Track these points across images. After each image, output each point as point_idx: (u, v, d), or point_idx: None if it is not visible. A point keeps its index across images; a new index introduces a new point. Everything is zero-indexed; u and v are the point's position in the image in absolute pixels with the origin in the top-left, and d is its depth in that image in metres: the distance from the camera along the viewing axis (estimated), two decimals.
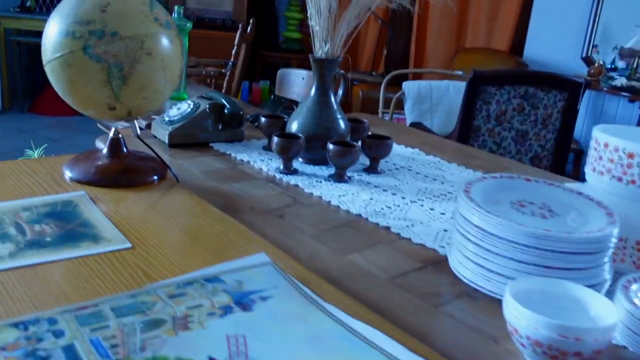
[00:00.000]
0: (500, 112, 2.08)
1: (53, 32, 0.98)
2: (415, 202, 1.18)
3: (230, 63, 2.95)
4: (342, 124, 1.34)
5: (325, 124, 1.32)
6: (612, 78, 3.51)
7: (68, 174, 1.07)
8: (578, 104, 2.08)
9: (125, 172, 1.06)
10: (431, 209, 1.15)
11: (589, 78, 3.34)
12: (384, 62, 4.15)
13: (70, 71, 0.97)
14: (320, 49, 1.32)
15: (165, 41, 1.01)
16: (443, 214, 1.13)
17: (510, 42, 3.80)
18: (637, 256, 0.89)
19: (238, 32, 3.01)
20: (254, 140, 1.51)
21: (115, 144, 1.10)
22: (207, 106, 1.43)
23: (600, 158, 0.89)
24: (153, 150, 1.13)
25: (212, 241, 0.87)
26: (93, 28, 0.96)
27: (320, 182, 1.24)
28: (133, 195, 1.02)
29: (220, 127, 1.46)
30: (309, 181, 1.24)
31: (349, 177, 1.27)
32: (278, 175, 1.26)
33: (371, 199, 1.17)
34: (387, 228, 1.04)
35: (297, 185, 1.21)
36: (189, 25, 1.94)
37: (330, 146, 1.24)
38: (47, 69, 1.01)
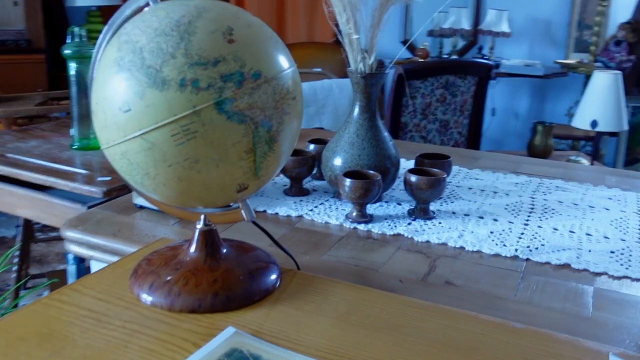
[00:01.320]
0: (425, 105, 2.00)
1: (127, 86, 0.59)
2: (527, 223, 1.02)
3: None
4: (393, 148, 1.11)
5: (382, 152, 1.07)
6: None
7: (148, 299, 0.67)
8: (487, 87, 2.12)
9: (246, 279, 0.71)
10: (555, 229, 1.00)
11: (420, 59, 3.49)
12: None
13: (190, 146, 0.59)
14: (362, 62, 1.07)
15: (295, 76, 0.68)
16: (572, 231, 1.00)
17: (334, 33, 3.79)
18: None
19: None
20: None
21: (210, 239, 0.73)
22: None
23: None
24: (271, 237, 0.78)
25: (463, 342, 0.60)
26: (227, 70, 0.59)
27: (410, 223, 1.01)
28: (272, 307, 0.68)
29: None
30: (403, 227, 1.00)
31: (434, 212, 1.06)
32: (351, 225, 0.99)
33: (492, 232, 0.98)
34: (564, 265, 0.87)
35: (400, 234, 0.97)
36: None
37: (413, 178, 1.01)
38: (119, 152, 0.61)
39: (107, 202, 1.09)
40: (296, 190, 1.15)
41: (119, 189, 1.18)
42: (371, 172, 1.02)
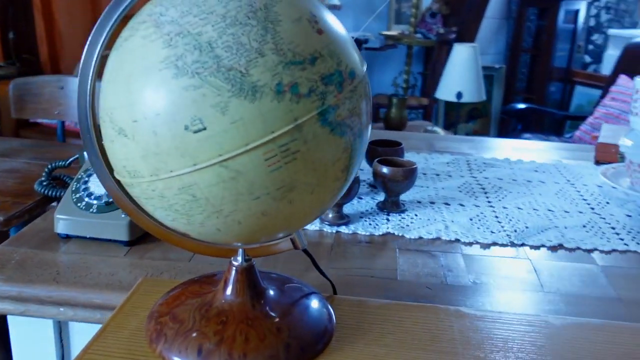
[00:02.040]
0: None
1: (197, 96, 0.43)
2: (492, 205, 1.02)
3: None
4: None
5: None
6: None
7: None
8: None
9: (307, 318, 0.59)
10: (519, 208, 1.01)
11: None
12: (13, 47, 3.23)
13: (286, 171, 0.45)
14: None
15: None
16: (536, 209, 1.01)
17: None
18: None
19: None
20: None
21: (251, 277, 0.58)
22: None
23: None
24: (316, 264, 0.65)
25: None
26: (326, 69, 0.46)
27: (389, 220, 0.94)
28: (352, 348, 0.57)
29: None
30: (385, 224, 0.93)
31: (403, 203, 1.00)
32: (332, 229, 0.90)
33: (471, 219, 0.96)
34: (559, 245, 0.87)
35: (389, 233, 0.89)
36: None
37: (385, 169, 0.94)
38: (179, 186, 0.45)
39: (14, 237, 0.85)
40: None
41: (18, 216, 0.93)
42: None
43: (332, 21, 0.49)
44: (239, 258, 0.58)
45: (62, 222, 0.81)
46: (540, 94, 4.03)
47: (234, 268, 0.58)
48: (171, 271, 0.76)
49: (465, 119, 3.98)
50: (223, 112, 0.43)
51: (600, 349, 0.58)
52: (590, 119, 2.90)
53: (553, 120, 3.84)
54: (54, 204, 0.96)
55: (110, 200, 0.81)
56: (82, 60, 0.51)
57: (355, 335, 0.59)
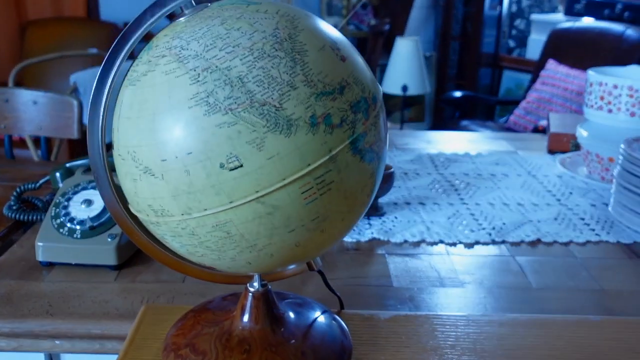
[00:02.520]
0: None
1: (232, 133, 0.42)
2: (465, 203, 1.05)
3: None
4: None
5: None
6: None
7: None
8: None
9: (329, 339, 0.59)
10: (491, 203, 1.05)
11: None
12: None
13: (321, 203, 0.45)
14: None
15: None
16: (506, 204, 1.05)
17: (86, 6, 3.31)
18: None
19: None
20: None
21: (269, 302, 0.58)
22: None
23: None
24: (326, 281, 0.65)
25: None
26: (353, 97, 0.46)
27: (370, 224, 0.96)
28: None
29: None
30: (368, 229, 0.94)
31: (382, 206, 1.02)
32: None
33: (449, 218, 0.98)
34: (537, 240, 0.91)
35: (374, 239, 0.91)
36: None
37: None
38: (213, 223, 0.44)
39: None
40: None
41: None
42: None
43: (349, 46, 0.49)
44: (256, 284, 0.57)
45: (44, 249, 0.77)
46: (471, 80, 4.16)
47: (251, 294, 0.57)
48: (167, 294, 0.74)
49: (400, 106, 4.06)
50: (259, 148, 0.42)
51: (603, 344, 0.62)
52: (523, 104, 3.02)
53: (485, 105, 3.98)
54: (27, 228, 0.91)
55: (95, 224, 0.78)
56: (91, 97, 0.48)
57: (372, 351, 0.60)
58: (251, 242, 0.45)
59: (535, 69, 3.13)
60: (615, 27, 2.89)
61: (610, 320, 0.66)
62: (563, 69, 2.89)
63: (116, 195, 0.51)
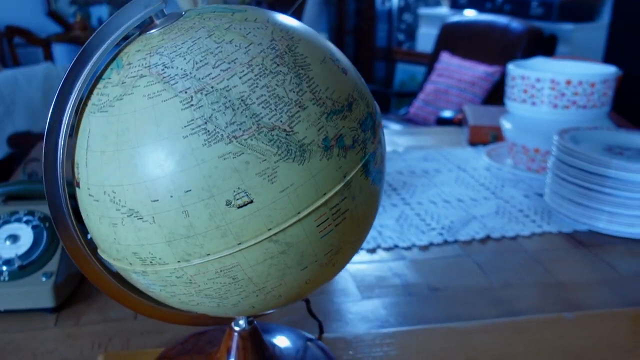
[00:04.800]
0: None
1: (238, 165, 0.36)
2: (408, 203, 1.04)
3: None
4: None
5: None
6: None
7: None
8: None
9: None
10: (433, 202, 1.05)
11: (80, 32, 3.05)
12: None
13: (336, 234, 0.40)
14: None
15: None
16: (447, 201, 1.06)
17: None
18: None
19: None
20: None
21: (258, 339, 0.52)
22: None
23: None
24: (311, 311, 0.59)
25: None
26: (361, 114, 0.41)
27: None
28: None
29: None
30: None
31: None
32: None
33: (397, 220, 0.97)
34: (486, 237, 0.92)
35: None
36: None
37: None
38: (216, 269, 0.38)
39: None
40: None
41: None
42: None
43: (343, 56, 0.45)
44: (242, 322, 0.51)
45: None
46: (368, 74, 4.23)
47: (236, 334, 0.51)
48: (120, 335, 0.66)
49: None
50: (271, 180, 0.37)
51: (584, 343, 0.62)
52: (422, 95, 3.10)
53: (381, 98, 4.06)
54: None
55: (25, 263, 0.68)
56: (46, 129, 0.40)
57: None
58: (260, 285, 0.40)
59: (430, 61, 3.23)
60: (501, 19, 3.04)
61: (584, 316, 0.67)
62: (456, 61, 3.00)
63: (82, 241, 0.43)
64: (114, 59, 0.41)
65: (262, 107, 0.37)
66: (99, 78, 0.41)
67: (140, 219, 0.37)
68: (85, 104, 0.41)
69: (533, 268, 0.83)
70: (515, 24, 2.92)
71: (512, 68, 1.18)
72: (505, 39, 2.92)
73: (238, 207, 0.37)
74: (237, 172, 0.36)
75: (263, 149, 0.36)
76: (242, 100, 0.37)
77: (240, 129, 0.36)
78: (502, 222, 0.97)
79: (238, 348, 0.51)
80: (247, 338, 0.51)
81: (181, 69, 0.37)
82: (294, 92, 0.38)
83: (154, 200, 0.37)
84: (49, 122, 0.41)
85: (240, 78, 0.37)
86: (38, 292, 0.68)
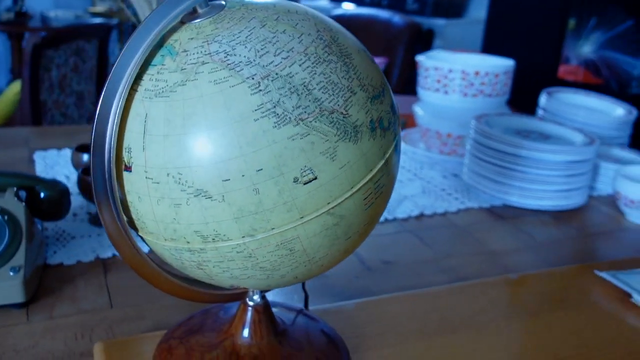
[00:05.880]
0: (61, 77, 1.60)
1: (305, 145, 0.40)
2: None
3: None
4: None
5: None
6: None
7: None
8: (108, 48, 1.83)
9: (336, 345, 0.59)
10: None
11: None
12: None
13: (375, 207, 0.45)
14: None
15: None
16: None
17: None
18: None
19: None
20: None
21: (267, 314, 0.56)
22: (18, 204, 0.73)
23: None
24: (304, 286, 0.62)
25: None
26: (390, 98, 0.46)
27: None
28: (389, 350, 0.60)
29: (41, 228, 0.79)
30: None
31: None
32: None
33: None
34: (421, 215, 1.01)
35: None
36: None
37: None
38: (277, 242, 0.41)
39: None
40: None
41: None
42: None
43: (365, 49, 0.49)
44: (256, 297, 0.54)
45: None
46: None
47: (250, 308, 0.54)
48: (102, 324, 0.66)
49: None
50: (332, 158, 0.41)
51: (532, 299, 0.72)
52: None
53: None
54: None
55: None
56: (97, 115, 0.41)
57: (365, 340, 0.61)
58: (311, 255, 0.43)
59: None
60: (382, 14, 3.21)
61: (525, 276, 0.77)
62: None
63: (123, 225, 0.44)
64: (160, 45, 0.42)
65: (322, 92, 0.40)
66: (145, 65, 0.42)
67: (209, 198, 0.40)
68: (134, 90, 0.42)
69: (466, 239, 0.93)
70: (397, 18, 3.09)
71: (425, 60, 1.28)
72: (388, 32, 3.09)
73: (304, 184, 0.40)
74: (304, 151, 0.40)
75: (325, 130, 0.40)
76: (304, 85, 0.40)
77: (305, 112, 0.40)
78: (430, 200, 1.06)
79: (254, 321, 0.54)
80: (261, 312, 0.54)
81: (244, 56, 0.40)
82: (345, 78, 0.42)
83: (225, 180, 0.39)
84: (99, 109, 0.41)
85: (299, 65, 0.40)
86: (7, 287, 0.65)
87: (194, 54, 0.40)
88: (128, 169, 0.42)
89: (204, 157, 0.39)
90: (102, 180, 0.42)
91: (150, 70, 0.41)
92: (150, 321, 0.68)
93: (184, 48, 0.41)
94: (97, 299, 0.71)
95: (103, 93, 0.41)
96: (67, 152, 1.19)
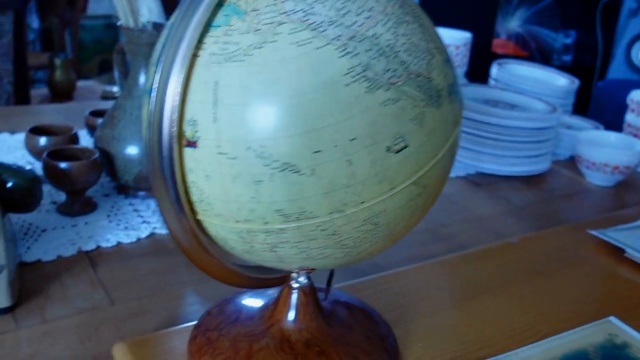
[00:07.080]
0: None
1: (396, 111, 0.37)
2: None
3: None
4: None
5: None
6: None
7: None
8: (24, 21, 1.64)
9: (382, 324, 0.56)
10: None
11: None
12: None
13: (447, 173, 0.43)
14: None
15: None
16: None
17: None
18: None
19: None
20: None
21: (313, 295, 0.53)
22: None
23: None
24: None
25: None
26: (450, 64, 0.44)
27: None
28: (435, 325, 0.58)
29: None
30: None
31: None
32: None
33: None
34: None
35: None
36: None
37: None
38: (365, 217, 0.39)
39: None
40: (80, 205, 0.82)
41: None
42: None
43: None
44: (302, 279, 0.51)
45: None
46: None
47: (296, 290, 0.51)
48: (106, 323, 0.60)
49: (97, 72, 3.79)
50: (421, 124, 0.38)
51: (537, 259, 0.73)
52: None
53: None
54: None
55: None
56: (156, 86, 0.36)
57: (398, 313, 0.60)
58: (392, 229, 0.41)
59: None
60: None
61: (525, 238, 0.78)
62: None
63: (184, 208, 0.39)
64: (218, 4, 0.38)
65: (407, 55, 0.38)
66: (206, 26, 0.37)
67: (297, 172, 0.36)
68: (195, 55, 0.37)
69: (453, 208, 0.93)
70: None
71: None
72: None
73: (395, 152, 0.37)
74: (396, 118, 0.37)
75: (414, 95, 0.37)
76: (390, 47, 0.37)
77: (394, 75, 0.37)
78: None
79: (301, 304, 0.51)
80: (308, 293, 0.51)
81: (325, 15, 0.36)
82: (423, 40, 0.39)
83: (316, 152, 0.36)
84: (159, 80, 0.36)
85: (382, 26, 0.37)
86: None
87: (266, 13, 0.36)
88: (192, 144, 0.37)
89: (291, 127, 0.35)
90: (160, 160, 0.37)
91: (214, 32, 0.37)
92: (157, 316, 0.63)
93: (253, 7, 0.37)
94: (93, 296, 0.64)
95: (161, 63, 0.36)
96: (5, 137, 1.08)
